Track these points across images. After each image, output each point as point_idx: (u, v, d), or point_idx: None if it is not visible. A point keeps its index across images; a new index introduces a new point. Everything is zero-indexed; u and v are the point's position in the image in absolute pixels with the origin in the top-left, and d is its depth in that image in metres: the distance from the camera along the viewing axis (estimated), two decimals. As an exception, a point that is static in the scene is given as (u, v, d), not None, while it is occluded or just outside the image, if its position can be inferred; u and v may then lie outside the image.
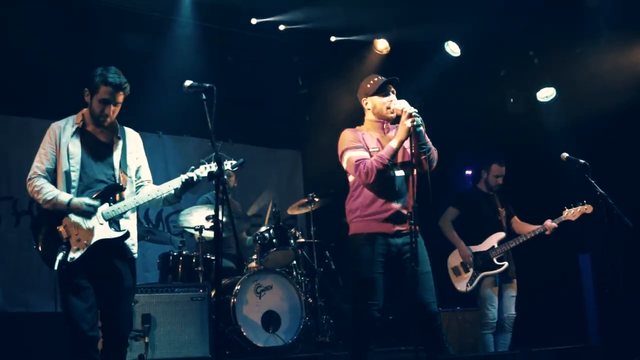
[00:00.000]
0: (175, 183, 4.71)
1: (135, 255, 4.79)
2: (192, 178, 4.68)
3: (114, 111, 4.69)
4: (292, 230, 7.50)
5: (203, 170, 4.69)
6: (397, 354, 6.92)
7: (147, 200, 4.71)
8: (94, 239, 4.54)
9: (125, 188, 4.73)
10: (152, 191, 4.72)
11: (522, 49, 8.84)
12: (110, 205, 4.63)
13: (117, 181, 4.71)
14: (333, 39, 9.05)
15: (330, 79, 9.35)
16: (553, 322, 8.55)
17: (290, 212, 8.13)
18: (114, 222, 4.63)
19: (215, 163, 4.57)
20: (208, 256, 7.08)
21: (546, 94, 9.11)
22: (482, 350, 7.08)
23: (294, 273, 7.45)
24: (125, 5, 7.90)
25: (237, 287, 6.60)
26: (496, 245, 7.05)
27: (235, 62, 9.05)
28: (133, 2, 7.92)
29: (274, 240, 7.27)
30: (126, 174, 4.77)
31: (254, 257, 7.31)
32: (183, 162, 9.28)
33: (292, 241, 7.37)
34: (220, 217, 4.22)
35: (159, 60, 8.32)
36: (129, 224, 4.74)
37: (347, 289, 8.01)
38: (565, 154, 6.02)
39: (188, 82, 4.44)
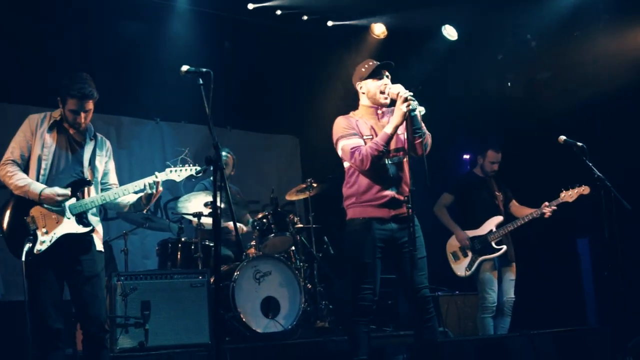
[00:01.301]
0: (140, 184, 4.82)
1: (101, 249, 4.87)
2: (154, 183, 4.81)
3: (85, 117, 4.78)
4: (291, 215, 7.49)
5: (166, 175, 4.88)
6: (395, 338, 6.94)
7: (113, 199, 4.83)
8: (61, 233, 4.63)
9: (92, 183, 4.84)
10: (119, 190, 4.84)
11: (520, 32, 8.81)
12: (77, 200, 4.70)
13: (85, 177, 4.80)
14: (330, 23, 9.01)
15: (328, 63, 9.32)
16: (551, 305, 8.57)
17: (288, 197, 8.12)
18: (81, 216, 4.72)
19: (178, 168, 4.88)
20: (207, 243, 7.08)
21: (544, 76, 9.10)
22: (482, 333, 7.10)
23: (293, 259, 7.45)
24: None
25: (236, 273, 6.60)
26: (494, 229, 7.07)
27: (232, 47, 9.02)
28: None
29: (273, 226, 7.27)
30: (94, 174, 4.87)
31: (253, 243, 7.31)
32: (181, 148, 9.28)
33: (290, 227, 7.36)
34: (218, 204, 4.23)
35: (155, 47, 8.29)
36: (96, 220, 4.87)
37: (343, 274, 8.04)
38: (562, 137, 6.02)
39: (185, 67, 4.43)
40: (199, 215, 7.03)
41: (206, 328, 6.18)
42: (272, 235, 7.23)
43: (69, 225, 4.66)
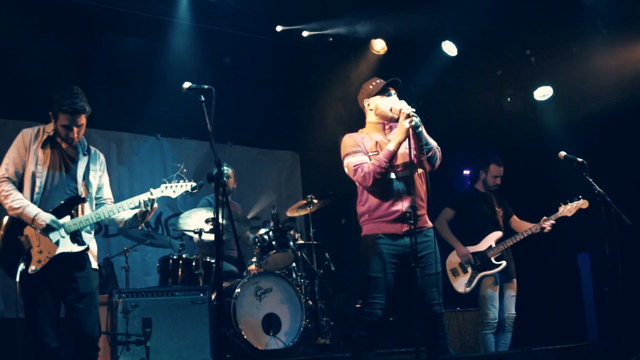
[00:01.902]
0: (135, 201, 4.82)
1: (96, 267, 4.86)
2: (150, 201, 4.81)
3: (78, 132, 4.75)
4: (292, 232, 7.50)
5: (161, 191, 4.88)
6: (398, 355, 6.92)
7: (108, 216, 4.81)
8: (56, 252, 4.62)
9: (87, 200, 4.83)
10: (114, 207, 4.82)
11: (519, 47, 8.84)
12: (72, 218, 4.70)
13: (79, 194, 4.78)
14: (330, 39, 9.04)
15: (328, 79, 9.35)
16: (552, 321, 8.56)
17: (289, 214, 8.13)
18: (75, 234, 4.71)
19: (173, 184, 4.89)
20: (208, 259, 7.07)
21: (543, 92, 9.10)
22: (483, 350, 7.08)
23: (294, 275, 7.45)
24: (122, 8, 7.88)
25: (237, 290, 6.60)
26: (494, 245, 7.06)
27: (233, 63, 9.05)
28: (130, 5, 7.90)
29: (274, 243, 7.27)
30: (88, 190, 4.85)
31: (254, 259, 7.31)
32: (181, 164, 9.29)
33: (291, 243, 7.36)
34: (220, 220, 4.23)
35: (156, 63, 8.32)
36: (90, 237, 4.84)
37: (348, 290, 8.03)
38: (563, 153, 6.03)
39: (187, 84, 4.45)
40: (200, 231, 7.02)
41: (207, 345, 6.18)
42: (273, 251, 7.23)
43: (64, 245, 4.64)
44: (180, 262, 7.03)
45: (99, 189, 4.97)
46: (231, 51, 8.97)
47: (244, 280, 6.70)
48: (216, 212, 4.25)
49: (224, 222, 4.37)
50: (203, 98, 4.39)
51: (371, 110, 5.11)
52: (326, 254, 8.06)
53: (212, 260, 7.05)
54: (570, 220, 6.86)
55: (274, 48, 8.89)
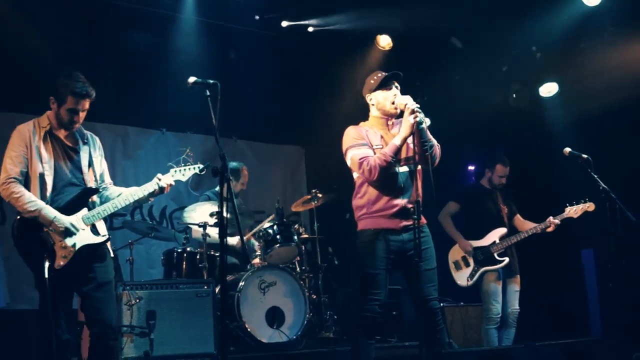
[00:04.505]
0: (150, 187, 4.83)
1: (112, 255, 4.89)
2: (165, 185, 4.84)
3: (82, 117, 4.76)
4: (296, 226, 7.51)
5: (176, 174, 4.92)
6: (400, 349, 6.94)
7: (124, 205, 4.81)
8: (79, 245, 4.62)
9: (99, 191, 4.83)
10: (129, 195, 4.82)
11: (525, 43, 8.83)
12: (89, 209, 4.70)
13: (87, 184, 4.79)
14: (335, 34, 9.04)
15: (334, 75, 9.36)
16: (556, 316, 8.57)
17: (294, 208, 8.15)
18: (93, 226, 4.72)
19: (182, 167, 4.92)
20: (212, 252, 7.09)
21: (549, 89, 9.10)
22: (486, 345, 7.10)
23: (298, 269, 7.47)
24: (128, 3, 7.90)
25: (241, 284, 6.61)
26: (497, 241, 7.08)
27: (238, 58, 9.06)
28: (136, 0, 7.92)
29: (278, 237, 7.28)
30: (95, 178, 4.85)
31: (258, 253, 7.33)
32: (181, 149, 9.30)
33: (295, 237, 7.37)
34: (224, 214, 4.25)
35: (162, 57, 8.35)
36: (103, 226, 4.84)
37: (348, 283, 8.04)
38: (567, 149, 6.03)
39: (192, 79, 4.46)
40: (204, 225, 7.04)
41: (211, 338, 6.19)
42: (277, 245, 7.24)
43: (85, 237, 4.65)
44: (185, 255, 7.04)
45: (102, 173, 4.96)
46: (236, 46, 8.99)
47: (248, 274, 6.71)
48: (220, 206, 4.26)
49: (228, 215, 4.38)
50: (208, 93, 4.40)
51: (373, 105, 5.11)
52: (330, 248, 8.08)
53: (216, 254, 7.06)
54: (574, 219, 6.87)
55: (279, 43, 8.90)
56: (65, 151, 4.79)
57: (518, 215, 7.39)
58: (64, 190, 4.69)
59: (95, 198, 4.84)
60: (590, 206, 6.73)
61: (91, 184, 4.81)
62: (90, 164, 4.84)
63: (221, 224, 4.32)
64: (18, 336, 7.31)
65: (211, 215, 7.07)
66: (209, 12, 8.27)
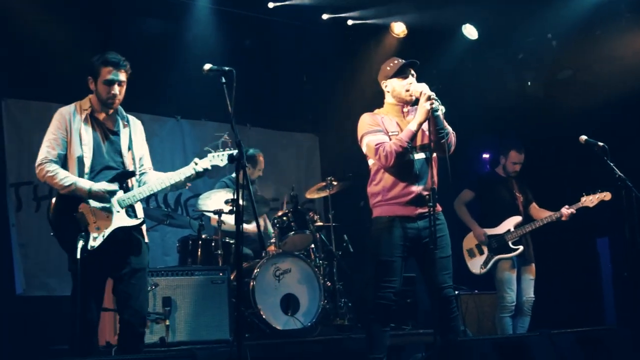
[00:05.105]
0: (187, 171, 4.79)
1: (147, 241, 4.87)
2: (204, 169, 4.77)
3: (120, 91, 4.77)
4: (311, 213, 7.52)
5: (214, 159, 4.78)
6: (415, 336, 6.95)
7: (160, 189, 4.80)
8: (113, 227, 4.62)
9: (135, 174, 4.83)
10: (165, 179, 4.80)
11: (541, 31, 8.78)
12: (125, 192, 4.70)
13: (126, 168, 4.79)
14: (350, 22, 9.03)
15: (348, 62, 9.34)
16: (570, 305, 8.55)
17: (308, 195, 8.16)
18: (129, 208, 4.71)
19: (219, 152, 4.76)
20: (227, 240, 7.11)
21: (565, 76, 9.05)
22: (500, 333, 7.10)
23: (312, 256, 7.49)
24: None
25: (256, 271, 6.63)
26: (512, 229, 7.06)
27: (252, 46, 9.06)
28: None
29: (293, 224, 7.28)
30: (134, 161, 4.85)
31: (273, 240, 7.35)
32: (201, 146, 9.31)
33: (310, 225, 7.38)
34: (240, 201, 4.25)
35: (176, 45, 8.35)
36: (140, 209, 4.84)
37: (365, 271, 8.05)
38: (583, 137, 6.01)
39: (207, 66, 4.46)
40: (219, 212, 7.06)
41: (226, 324, 6.24)
42: (292, 232, 7.24)
43: (120, 219, 4.64)
44: (200, 242, 7.05)
45: (141, 157, 4.96)
46: (251, 34, 8.98)
47: (263, 261, 6.73)
48: (236, 193, 4.27)
49: (244, 203, 4.39)
50: (224, 80, 4.40)
51: (388, 92, 5.11)
52: (345, 235, 8.08)
53: (231, 241, 7.09)
54: (590, 208, 6.84)
55: (294, 30, 8.88)
56: (105, 134, 4.80)
57: (534, 204, 7.36)
58: (102, 173, 4.70)
59: (133, 181, 4.84)
60: (606, 195, 6.70)
61: (130, 167, 4.81)
62: (130, 148, 4.85)
63: (237, 210, 4.33)
64: (34, 322, 7.38)
65: (226, 202, 7.08)
66: (223, -1, 8.28)
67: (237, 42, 8.87)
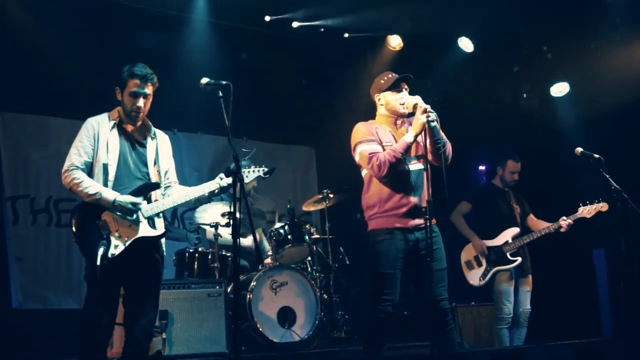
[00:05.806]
0: (212, 185, 4.80)
1: (164, 253, 4.87)
2: (229, 185, 4.75)
3: (145, 103, 4.79)
4: (307, 226, 7.53)
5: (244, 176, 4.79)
6: (411, 349, 6.95)
7: (183, 202, 4.80)
8: (135, 236, 4.60)
9: (161, 186, 4.84)
10: (190, 192, 4.81)
11: (536, 43, 8.82)
12: (148, 203, 4.71)
13: (150, 179, 4.79)
14: (346, 35, 9.06)
15: (344, 75, 9.37)
16: (567, 316, 8.56)
17: (305, 208, 8.17)
18: (151, 220, 4.70)
19: (249, 170, 4.82)
20: (224, 253, 7.11)
21: (560, 89, 9.09)
22: (498, 344, 7.09)
23: (309, 269, 7.49)
24: (140, 4, 7.93)
25: (253, 283, 6.63)
26: (510, 241, 7.07)
27: (249, 59, 9.08)
28: (148, 1, 7.95)
29: (289, 237, 7.30)
30: (159, 174, 4.86)
31: (269, 253, 7.35)
32: (198, 159, 9.35)
33: (307, 237, 7.39)
34: (237, 214, 4.26)
35: (173, 58, 8.36)
36: (161, 222, 4.80)
37: (362, 284, 8.05)
38: (579, 149, 6.03)
39: (205, 80, 4.48)
40: (216, 225, 7.06)
41: (223, 337, 6.23)
42: (289, 245, 7.26)
43: (142, 229, 4.63)
44: (196, 255, 7.06)
45: (167, 171, 4.96)
46: (247, 47, 9.00)
47: (260, 274, 6.73)
48: (234, 206, 4.28)
49: (241, 216, 4.39)
50: (221, 94, 4.42)
51: (382, 105, 5.13)
52: (341, 248, 8.09)
53: (228, 254, 7.09)
54: (587, 219, 6.86)
55: (290, 43, 8.91)
56: (132, 144, 4.81)
57: (531, 215, 7.37)
58: (126, 183, 4.69)
59: (158, 195, 4.84)
60: (603, 206, 6.72)
61: (154, 179, 4.82)
62: (156, 161, 4.86)
63: (234, 224, 4.33)
64: (30, 335, 7.38)
65: (222, 215, 7.10)
66: (219, 13, 8.28)
67: (233, 55, 8.89)
